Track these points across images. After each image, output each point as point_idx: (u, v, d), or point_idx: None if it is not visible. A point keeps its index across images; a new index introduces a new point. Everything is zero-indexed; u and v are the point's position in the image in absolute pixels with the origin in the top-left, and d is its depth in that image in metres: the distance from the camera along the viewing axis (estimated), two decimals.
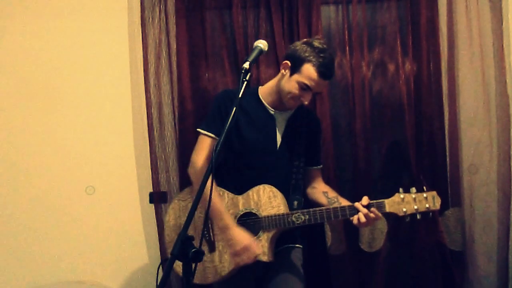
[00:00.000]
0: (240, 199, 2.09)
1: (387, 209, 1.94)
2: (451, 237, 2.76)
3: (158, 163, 2.80)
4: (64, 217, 2.86)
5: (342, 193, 2.76)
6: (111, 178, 2.87)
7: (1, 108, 2.88)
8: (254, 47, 1.84)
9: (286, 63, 2.07)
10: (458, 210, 2.75)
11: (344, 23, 2.80)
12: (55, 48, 2.88)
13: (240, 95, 1.70)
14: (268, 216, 2.02)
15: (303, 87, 2.01)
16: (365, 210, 1.93)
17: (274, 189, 2.06)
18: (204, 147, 2.13)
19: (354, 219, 1.96)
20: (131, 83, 2.87)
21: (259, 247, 1.98)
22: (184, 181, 2.80)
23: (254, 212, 2.06)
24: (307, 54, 2.00)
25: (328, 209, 2.01)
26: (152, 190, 2.82)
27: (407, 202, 1.92)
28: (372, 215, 1.93)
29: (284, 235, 2.12)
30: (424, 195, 1.92)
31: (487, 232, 2.74)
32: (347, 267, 2.77)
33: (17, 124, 2.88)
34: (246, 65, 1.74)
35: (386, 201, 1.95)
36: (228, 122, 1.66)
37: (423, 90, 2.78)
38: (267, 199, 2.03)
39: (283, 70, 2.09)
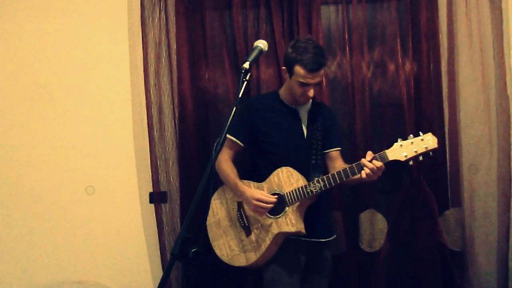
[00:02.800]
0: (264, 184, 2.34)
1: (389, 158, 2.11)
2: (451, 237, 2.75)
3: (158, 163, 2.80)
4: (64, 217, 2.86)
5: (342, 192, 2.78)
6: (111, 178, 2.88)
7: (1, 108, 2.88)
8: (254, 47, 1.85)
9: (283, 69, 2.35)
10: (458, 210, 2.75)
11: (344, 23, 2.80)
12: (55, 48, 2.88)
13: (240, 95, 1.71)
14: (289, 192, 2.26)
15: (303, 84, 2.25)
16: (370, 165, 2.11)
17: (290, 168, 2.29)
18: (225, 147, 2.38)
19: (362, 174, 2.14)
20: (131, 83, 2.87)
21: (270, 197, 2.26)
22: (184, 181, 2.81)
23: (277, 192, 2.29)
24: (293, 56, 2.24)
25: (338, 171, 2.19)
26: (152, 190, 2.82)
27: (405, 147, 2.08)
28: (374, 166, 2.10)
29: (322, 227, 2.38)
30: (421, 137, 2.07)
31: (487, 232, 2.73)
32: (347, 267, 2.77)
33: (17, 124, 2.88)
34: (246, 65, 1.75)
35: (387, 151, 2.12)
36: (229, 121, 1.67)
37: (423, 90, 2.78)
38: (286, 178, 2.28)
39: (284, 75, 2.36)
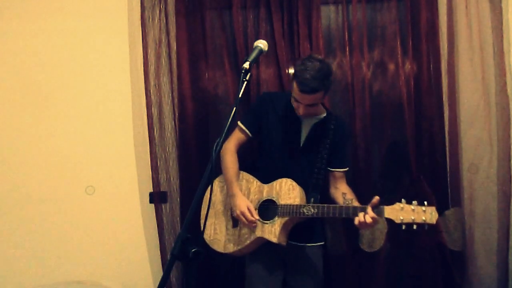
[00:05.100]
0: (265, 187, 2.34)
1: (386, 215, 2.07)
2: (451, 237, 2.76)
3: (158, 163, 2.80)
4: (64, 217, 2.86)
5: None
6: (111, 178, 2.88)
7: (1, 108, 2.88)
8: (254, 47, 1.85)
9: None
10: (458, 210, 2.75)
11: (344, 23, 2.80)
12: (55, 48, 2.88)
13: (240, 95, 1.72)
14: (284, 205, 2.25)
15: (296, 100, 2.25)
16: (368, 218, 2.07)
17: (294, 183, 2.28)
18: (233, 134, 2.43)
19: (356, 220, 2.10)
20: (131, 83, 2.87)
21: (252, 216, 2.26)
22: (184, 181, 2.81)
23: (274, 200, 2.29)
24: (296, 70, 2.22)
25: (335, 206, 2.18)
26: (152, 190, 2.82)
27: (406, 211, 2.03)
28: (370, 218, 2.06)
29: (306, 232, 2.35)
30: (423, 208, 2.01)
31: (487, 232, 2.73)
32: (347, 267, 2.77)
33: (17, 124, 2.88)
34: (246, 65, 1.75)
35: (386, 207, 2.07)
36: (229, 121, 1.67)
37: (423, 90, 2.78)
38: (287, 191, 2.27)
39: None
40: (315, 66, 2.15)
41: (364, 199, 2.77)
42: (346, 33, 2.80)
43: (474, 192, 2.75)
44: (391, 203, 2.07)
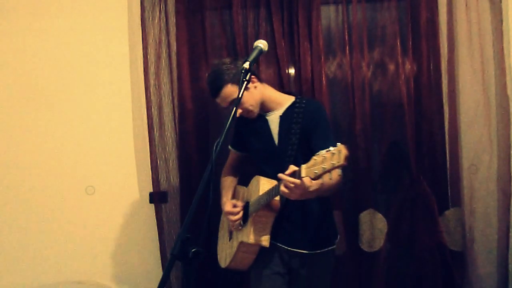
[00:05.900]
0: (245, 191, 2.34)
1: (302, 174, 1.80)
2: (451, 237, 2.75)
3: (158, 163, 2.81)
4: (64, 217, 2.86)
5: (342, 193, 2.78)
6: (111, 178, 2.88)
7: (1, 108, 2.88)
8: (254, 47, 1.85)
9: None
10: (458, 210, 2.75)
11: (344, 23, 2.80)
12: (55, 48, 2.89)
13: (240, 95, 1.72)
14: (251, 202, 2.21)
15: None
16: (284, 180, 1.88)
17: (259, 177, 2.21)
18: (229, 155, 2.49)
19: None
20: (131, 83, 2.88)
21: (235, 208, 2.27)
22: (184, 181, 2.81)
23: (248, 201, 2.26)
24: None
25: (274, 186, 2.01)
26: (152, 190, 2.82)
27: (319, 162, 1.74)
28: (290, 184, 1.85)
29: (311, 238, 2.20)
30: (333, 151, 1.71)
31: (487, 232, 2.73)
32: (347, 267, 2.77)
33: (17, 124, 2.88)
34: (246, 65, 1.75)
35: (303, 166, 1.80)
36: (229, 121, 1.68)
37: (423, 90, 2.78)
38: (254, 188, 2.22)
39: None
40: (211, 71, 2.18)
41: (364, 199, 2.78)
42: (346, 33, 2.79)
43: (474, 192, 2.75)
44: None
